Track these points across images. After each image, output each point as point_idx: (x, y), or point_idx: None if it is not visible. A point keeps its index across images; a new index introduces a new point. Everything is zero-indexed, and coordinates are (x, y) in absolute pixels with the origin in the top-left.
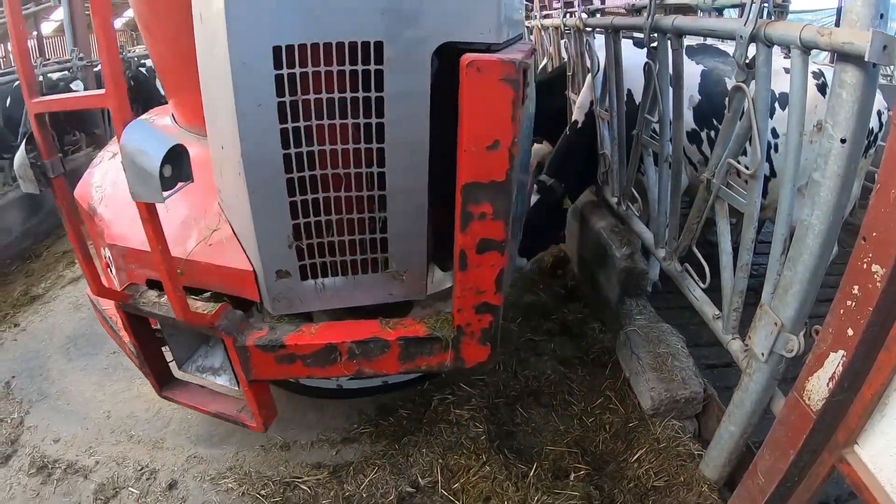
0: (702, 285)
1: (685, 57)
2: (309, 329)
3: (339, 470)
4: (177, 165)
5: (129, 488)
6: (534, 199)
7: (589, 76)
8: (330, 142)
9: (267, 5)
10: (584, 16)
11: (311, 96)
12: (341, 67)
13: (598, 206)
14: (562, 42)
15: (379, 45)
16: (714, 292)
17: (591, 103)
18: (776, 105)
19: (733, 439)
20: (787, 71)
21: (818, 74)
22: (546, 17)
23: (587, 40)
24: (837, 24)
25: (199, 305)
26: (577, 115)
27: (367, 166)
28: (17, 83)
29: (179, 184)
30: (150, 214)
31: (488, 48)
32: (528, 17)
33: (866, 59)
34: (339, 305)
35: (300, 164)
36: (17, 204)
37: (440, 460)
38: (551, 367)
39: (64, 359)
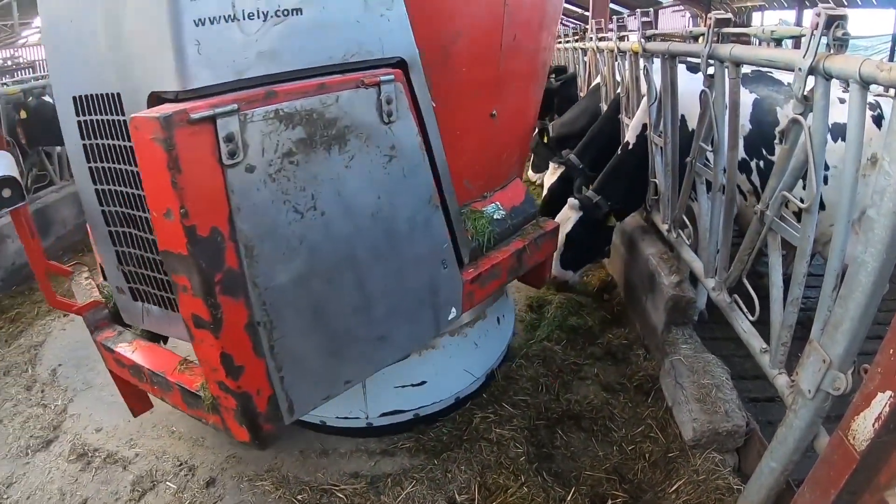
0: (750, 318)
1: None
2: (134, 344)
3: (377, 481)
4: (15, 189)
5: (167, 482)
6: (577, 215)
7: (644, 100)
8: (118, 184)
9: (63, 59)
10: (642, 40)
11: (99, 141)
12: (105, 117)
13: (647, 231)
14: (615, 65)
15: (118, 97)
16: (761, 325)
17: (644, 126)
18: (828, 136)
19: (773, 475)
20: (841, 101)
21: (874, 106)
22: (602, 39)
23: (645, 66)
24: (893, 53)
25: (95, 295)
26: (629, 136)
27: (147, 211)
28: None
29: (19, 204)
30: (14, 221)
31: (176, 97)
32: (583, 39)
33: None
34: (166, 333)
35: (107, 199)
36: (73, 198)
37: (478, 478)
38: (594, 391)
39: None
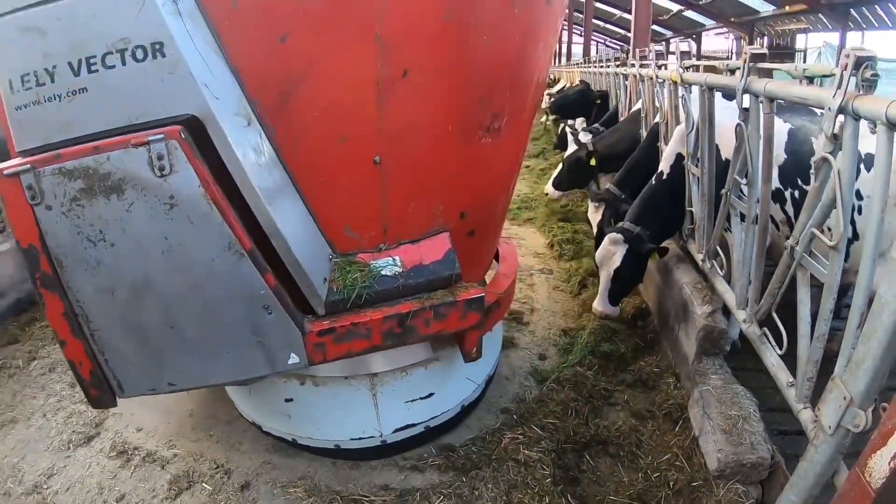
0: (778, 351)
1: None
2: None
3: (406, 495)
4: None
5: (203, 483)
6: (622, 248)
7: (677, 128)
8: None
9: None
10: (680, 70)
11: None
12: None
13: (682, 260)
14: (654, 92)
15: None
16: (790, 358)
17: (677, 156)
18: (861, 166)
19: None
20: (872, 131)
21: None
22: (643, 66)
23: (683, 94)
24: None
25: None
26: (664, 165)
27: None
28: None
29: None
30: None
31: (19, 155)
32: (623, 64)
33: None
34: None
35: None
36: None
37: (505, 497)
38: (623, 417)
39: None
